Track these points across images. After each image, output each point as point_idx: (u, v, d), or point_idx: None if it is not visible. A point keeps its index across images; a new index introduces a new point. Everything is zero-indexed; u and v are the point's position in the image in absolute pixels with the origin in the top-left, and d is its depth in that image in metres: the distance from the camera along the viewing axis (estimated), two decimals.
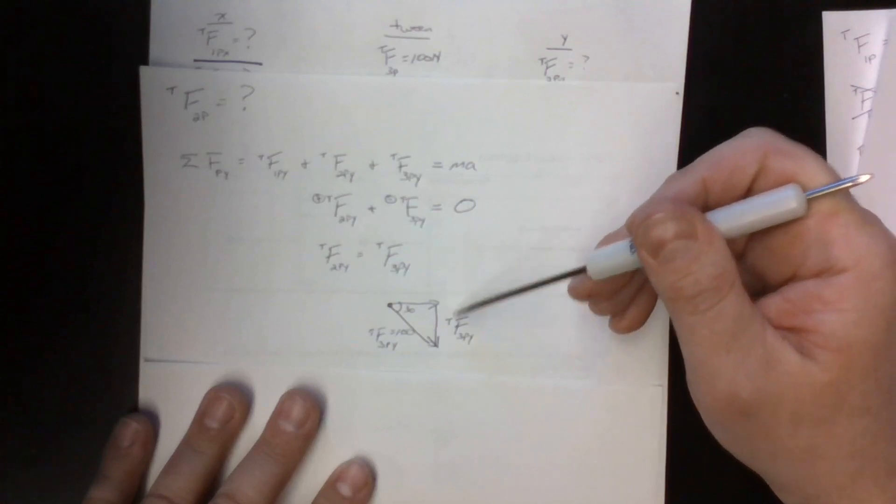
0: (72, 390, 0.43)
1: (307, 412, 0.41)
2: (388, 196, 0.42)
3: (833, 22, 0.42)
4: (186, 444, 0.42)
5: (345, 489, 0.41)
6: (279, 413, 0.42)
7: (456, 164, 0.41)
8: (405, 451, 0.42)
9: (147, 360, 0.42)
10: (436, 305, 0.42)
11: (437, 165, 0.41)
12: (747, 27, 0.43)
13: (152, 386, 0.42)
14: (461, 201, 0.42)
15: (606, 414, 0.42)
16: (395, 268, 0.42)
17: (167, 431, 0.42)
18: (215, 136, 0.41)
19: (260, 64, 0.41)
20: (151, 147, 0.41)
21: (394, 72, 0.41)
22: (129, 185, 0.42)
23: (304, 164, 0.41)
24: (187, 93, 0.41)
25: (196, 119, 0.41)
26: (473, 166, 0.42)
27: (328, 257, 0.42)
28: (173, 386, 0.42)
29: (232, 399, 0.41)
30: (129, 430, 0.42)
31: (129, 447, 0.41)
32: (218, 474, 0.42)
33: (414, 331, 0.42)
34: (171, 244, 0.42)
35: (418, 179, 0.42)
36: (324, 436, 0.42)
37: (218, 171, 0.41)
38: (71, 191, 0.42)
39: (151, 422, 0.42)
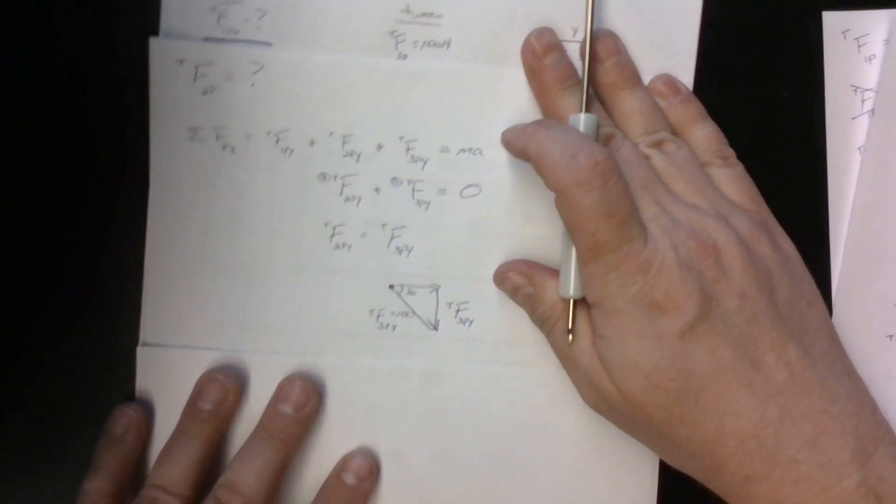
0: (70, 377, 0.42)
1: (307, 395, 0.41)
2: (394, 178, 0.42)
3: (833, 22, 0.43)
4: (180, 431, 0.41)
5: (349, 479, 0.41)
6: (278, 397, 0.41)
7: (463, 150, 0.42)
8: (405, 438, 0.42)
9: (145, 344, 0.42)
10: (437, 289, 0.42)
11: (445, 150, 0.41)
12: (747, 27, 0.43)
13: (149, 371, 0.42)
14: (467, 186, 0.42)
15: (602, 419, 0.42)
16: (399, 250, 0.42)
17: (162, 419, 0.42)
18: (223, 110, 0.41)
19: (270, 44, 0.41)
20: (158, 119, 0.41)
21: (403, 57, 0.41)
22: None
23: (312, 143, 0.41)
24: (197, 66, 0.40)
25: (204, 93, 0.40)
26: (481, 152, 0.42)
27: (332, 236, 0.42)
28: (170, 372, 0.42)
29: (226, 380, 0.41)
30: (124, 417, 0.41)
31: (122, 434, 0.41)
32: (214, 460, 0.41)
33: (414, 313, 0.42)
34: (175, 216, 0.41)
35: (425, 163, 0.42)
36: (324, 424, 0.42)
37: (224, 146, 0.41)
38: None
39: (147, 409, 0.42)
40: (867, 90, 0.42)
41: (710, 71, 0.42)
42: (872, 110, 0.42)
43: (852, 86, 0.43)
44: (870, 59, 0.42)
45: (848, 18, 0.42)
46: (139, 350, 0.42)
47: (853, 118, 0.43)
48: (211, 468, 0.41)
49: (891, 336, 0.42)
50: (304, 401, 0.41)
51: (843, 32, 0.43)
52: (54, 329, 0.42)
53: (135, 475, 0.42)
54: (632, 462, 0.43)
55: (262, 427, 0.41)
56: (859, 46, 0.42)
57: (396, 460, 0.42)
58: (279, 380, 0.42)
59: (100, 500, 0.40)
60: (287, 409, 0.41)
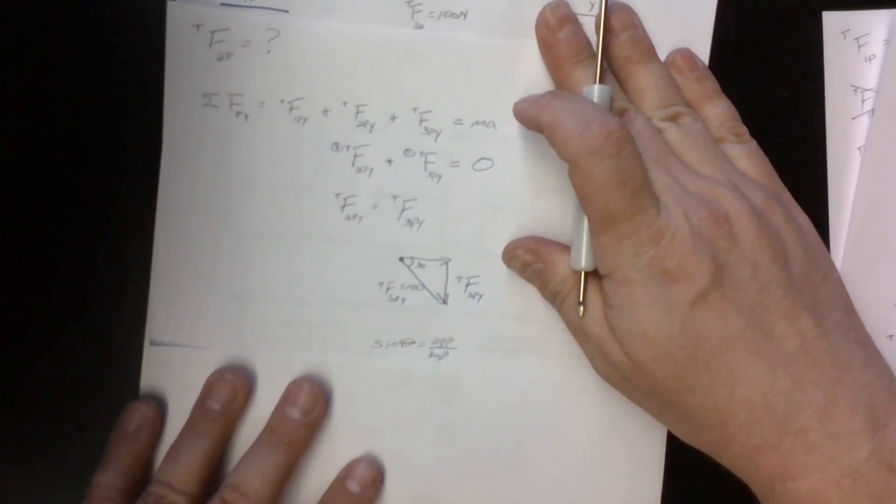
0: (69, 376, 0.42)
1: (315, 399, 0.41)
2: (406, 150, 0.41)
3: (833, 22, 0.43)
4: (189, 429, 0.40)
5: (353, 486, 0.41)
6: (286, 400, 0.41)
7: (477, 123, 0.41)
8: (410, 435, 0.42)
9: (153, 343, 0.41)
10: (447, 262, 0.41)
11: (458, 122, 0.41)
12: (747, 27, 0.43)
13: (156, 371, 0.41)
14: (479, 160, 0.42)
15: (609, 400, 0.42)
16: (409, 222, 0.41)
17: (171, 417, 0.41)
18: (238, 77, 0.40)
19: (286, 11, 0.41)
20: (173, 84, 0.40)
21: (419, 27, 0.41)
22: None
23: (325, 112, 0.41)
24: (213, 31, 0.40)
25: (220, 59, 0.40)
26: (494, 125, 0.41)
27: (343, 207, 0.41)
28: (177, 371, 0.41)
29: (235, 380, 0.41)
30: (138, 413, 0.41)
31: (135, 431, 0.40)
32: (221, 459, 0.41)
33: (424, 286, 0.41)
34: (187, 183, 0.41)
35: (438, 135, 0.41)
36: (330, 426, 0.42)
37: (238, 113, 0.41)
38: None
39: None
40: (867, 90, 0.43)
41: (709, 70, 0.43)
42: (872, 110, 0.43)
43: (852, 86, 0.43)
44: (870, 59, 0.43)
45: (848, 18, 0.43)
46: (147, 349, 0.41)
47: (853, 118, 0.43)
48: (218, 467, 0.41)
49: (891, 336, 0.42)
50: (312, 405, 0.41)
51: (843, 32, 0.43)
52: (53, 326, 0.41)
53: (145, 472, 0.41)
54: (639, 442, 0.42)
55: (269, 430, 0.40)
56: (859, 46, 0.43)
57: (401, 464, 0.42)
58: (287, 379, 0.41)
59: (110, 494, 0.39)
60: (295, 413, 0.40)
